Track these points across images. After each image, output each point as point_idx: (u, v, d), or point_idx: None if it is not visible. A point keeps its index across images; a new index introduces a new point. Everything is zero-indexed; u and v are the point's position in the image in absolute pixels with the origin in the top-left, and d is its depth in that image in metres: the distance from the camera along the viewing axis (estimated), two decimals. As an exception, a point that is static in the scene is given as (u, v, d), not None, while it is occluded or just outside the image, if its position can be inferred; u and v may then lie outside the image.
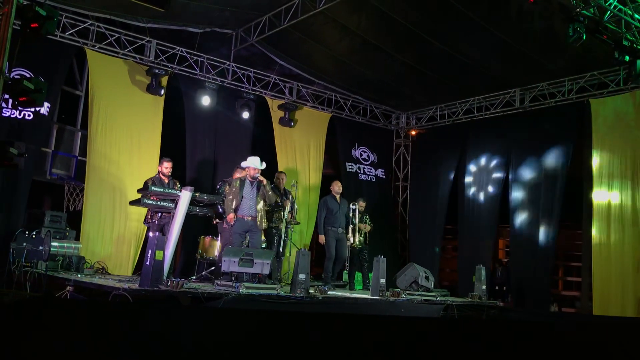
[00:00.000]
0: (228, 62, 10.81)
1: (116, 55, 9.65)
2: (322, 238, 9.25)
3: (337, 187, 9.46)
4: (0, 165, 5.38)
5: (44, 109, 8.70)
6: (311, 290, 7.33)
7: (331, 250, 9.10)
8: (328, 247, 9.13)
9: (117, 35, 9.60)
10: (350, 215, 9.53)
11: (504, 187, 11.04)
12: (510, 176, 10.96)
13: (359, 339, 3.25)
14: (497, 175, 11.20)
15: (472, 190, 11.58)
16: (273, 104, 11.33)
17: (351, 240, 9.52)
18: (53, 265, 7.71)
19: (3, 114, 8.06)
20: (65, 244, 8.05)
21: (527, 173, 10.67)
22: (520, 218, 10.69)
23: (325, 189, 9.54)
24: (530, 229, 10.43)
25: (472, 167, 11.67)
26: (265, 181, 7.98)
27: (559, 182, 10.15)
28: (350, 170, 12.34)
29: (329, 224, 9.24)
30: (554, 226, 10.06)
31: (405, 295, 8.12)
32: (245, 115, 10.81)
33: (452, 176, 11.97)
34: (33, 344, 2.74)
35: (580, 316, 9.82)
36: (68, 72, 9.66)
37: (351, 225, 9.52)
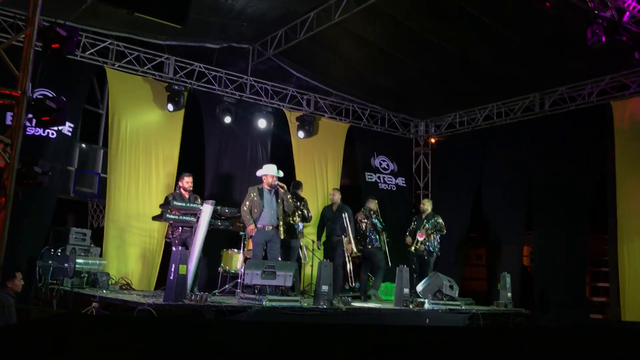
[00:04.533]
0: (246, 77, 10.89)
1: (135, 72, 9.77)
2: (318, 245, 9.41)
3: (332, 195, 9.47)
4: (24, 183, 5.47)
5: (67, 128, 8.83)
6: (334, 302, 7.30)
7: None
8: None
9: (136, 53, 9.73)
10: (346, 224, 9.11)
11: (528, 192, 10.92)
12: (533, 181, 10.84)
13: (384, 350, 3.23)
14: (520, 181, 11.07)
15: (496, 196, 11.45)
16: (291, 116, 11.38)
17: (348, 249, 9.12)
18: (78, 282, 7.80)
19: (27, 132, 8.21)
20: (90, 261, 8.15)
21: (550, 178, 10.53)
22: (545, 224, 10.55)
23: (343, 200, 9.51)
24: (555, 235, 10.28)
25: (494, 174, 11.55)
26: (284, 188, 7.97)
27: (583, 186, 10.02)
28: (370, 179, 12.30)
29: (327, 235, 9.23)
30: (581, 231, 9.93)
31: (429, 304, 8.04)
32: (264, 128, 10.87)
33: (474, 183, 11.86)
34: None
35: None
36: (89, 91, 9.80)
37: (344, 236, 9.12)
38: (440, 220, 9.58)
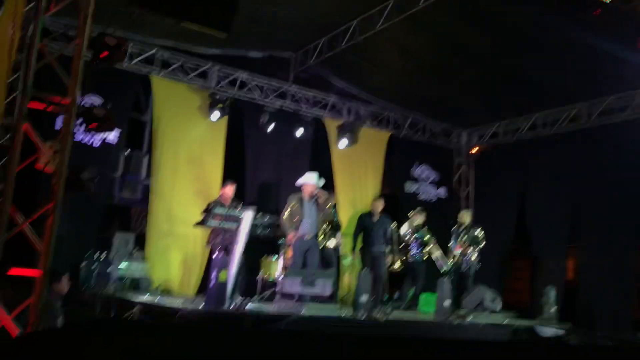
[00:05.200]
0: (286, 85, 10.95)
1: (179, 81, 9.94)
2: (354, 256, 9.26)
3: (374, 205, 9.34)
4: (72, 189, 5.60)
5: (113, 135, 9.04)
6: (374, 312, 7.23)
7: None
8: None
9: (180, 62, 9.89)
10: (389, 235, 9.13)
11: (573, 205, 10.62)
12: (579, 194, 10.54)
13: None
14: (565, 193, 10.78)
15: (540, 208, 11.18)
16: (331, 124, 11.37)
17: (388, 261, 9.09)
18: (121, 287, 7.95)
19: (75, 139, 8.44)
20: (132, 266, 8.29)
21: (597, 190, 10.22)
22: (591, 237, 10.25)
23: (383, 209, 9.46)
24: (601, 249, 9.97)
25: (539, 185, 11.28)
26: (323, 197, 7.99)
27: (632, 199, 9.69)
28: (410, 190, 12.18)
29: (364, 244, 9.11)
30: (629, 246, 9.61)
31: (471, 317, 7.89)
32: (304, 136, 10.89)
33: (517, 194, 11.61)
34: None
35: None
36: (134, 99, 10.02)
37: (387, 247, 9.10)
38: (479, 233, 9.42)
